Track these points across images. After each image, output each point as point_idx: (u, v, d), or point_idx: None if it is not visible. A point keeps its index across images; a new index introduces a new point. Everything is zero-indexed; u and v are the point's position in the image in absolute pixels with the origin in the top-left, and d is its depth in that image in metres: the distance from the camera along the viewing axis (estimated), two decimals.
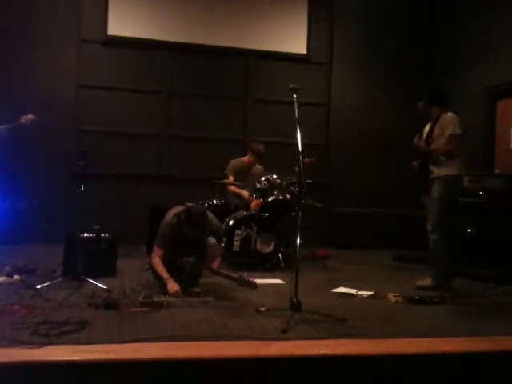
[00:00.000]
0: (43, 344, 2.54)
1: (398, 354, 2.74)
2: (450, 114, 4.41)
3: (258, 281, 3.98)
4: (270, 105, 7.27)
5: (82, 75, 6.81)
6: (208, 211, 4.10)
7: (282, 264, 5.20)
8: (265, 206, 5.42)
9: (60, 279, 4.05)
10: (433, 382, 2.74)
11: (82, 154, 4.26)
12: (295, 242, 3.43)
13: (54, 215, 6.11)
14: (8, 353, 2.43)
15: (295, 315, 3.19)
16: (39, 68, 6.62)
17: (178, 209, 3.99)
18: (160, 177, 7.01)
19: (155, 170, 7.06)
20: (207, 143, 7.15)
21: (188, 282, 3.81)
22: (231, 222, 5.20)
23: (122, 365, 2.47)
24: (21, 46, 6.56)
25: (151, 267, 4.03)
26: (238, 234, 5.15)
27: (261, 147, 5.87)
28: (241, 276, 3.86)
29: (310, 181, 4.56)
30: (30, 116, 5.15)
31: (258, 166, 5.95)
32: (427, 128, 4.52)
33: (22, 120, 5.13)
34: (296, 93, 3.62)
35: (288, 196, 5.52)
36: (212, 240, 4.04)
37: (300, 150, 3.46)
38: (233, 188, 5.84)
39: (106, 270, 4.43)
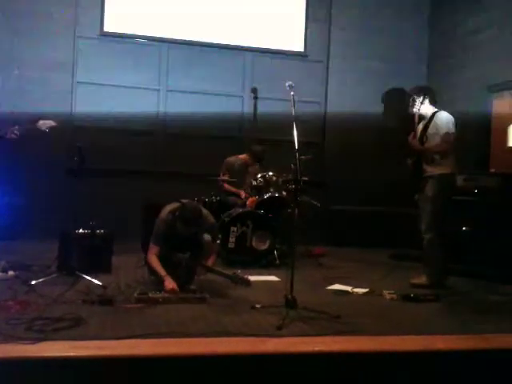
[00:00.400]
0: (38, 340, 2.54)
1: (392, 350, 2.76)
2: (444, 113, 4.42)
3: (254, 278, 3.99)
4: (267, 102, 7.25)
5: (78, 71, 6.78)
6: (203, 208, 4.10)
7: (278, 261, 5.20)
8: (260, 204, 5.42)
9: (55, 275, 4.04)
10: (426, 378, 2.76)
11: (77, 150, 4.23)
12: (291, 239, 3.43)
13: (49, 211, 6.08)
14: (2, 348, 2.43)
15: (290, 312, 3.20)
16: (35, 63, 6.58)
17: (173, 206, 3.98)
18: (156, 173, 6.98)
19: (151, 166, 7.03)
20: (204, 140, 7.13)
21: (184, 279, 3.81)
22: (227, 219, 5.20)
23: (116, 361, 2.47)
24: (17, 41, 6.52)
25: (147, 264, 4.03)
26: (233, 231, 5.15)
27: (259, 149, 5.86)
28: (234, 273, 3.85)
29: (305, 178, 4.56)
30: (50, 121, 4.24)
31: (256, 166, 5.94)
32: (420, 127, 4.51)
33: (40, 123, 4.21)
34: (293, 90, 3.62)
35: (284, 193, 5.53)
36: (207, 237, 4.04)
37: (296, 147, 3.46)
38: (227, 186, 5.84)
39: (101, 266, 4.41)
